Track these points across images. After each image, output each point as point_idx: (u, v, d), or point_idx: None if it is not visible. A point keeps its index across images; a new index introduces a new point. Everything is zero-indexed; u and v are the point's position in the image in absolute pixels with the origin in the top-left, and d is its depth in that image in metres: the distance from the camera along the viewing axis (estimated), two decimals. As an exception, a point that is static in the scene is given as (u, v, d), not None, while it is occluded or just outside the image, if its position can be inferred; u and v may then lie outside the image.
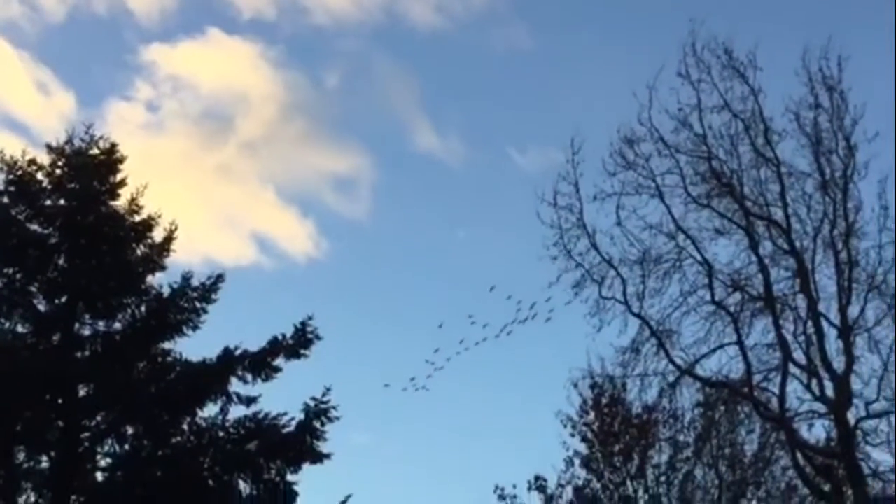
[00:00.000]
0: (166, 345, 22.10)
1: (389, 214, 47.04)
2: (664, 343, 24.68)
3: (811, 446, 24.46)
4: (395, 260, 45.32)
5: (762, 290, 24.34)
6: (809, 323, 23.87)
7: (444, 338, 26.45)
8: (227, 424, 21.56)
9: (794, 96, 24.42)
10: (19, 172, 22.29)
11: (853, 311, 23.61)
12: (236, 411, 21.68)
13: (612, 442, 28.37)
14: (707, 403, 27.20)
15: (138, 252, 22.59)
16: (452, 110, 47.72)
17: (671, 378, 25.07)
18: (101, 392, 21.46)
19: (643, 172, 24.93)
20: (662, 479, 28.17)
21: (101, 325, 22.08)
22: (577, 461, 28.56)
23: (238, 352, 21.75)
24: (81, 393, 21.55)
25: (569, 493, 28.41)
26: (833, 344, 23.61)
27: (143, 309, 22.23)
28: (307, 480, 21.71)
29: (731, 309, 24.57)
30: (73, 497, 20.96)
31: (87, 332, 21.98)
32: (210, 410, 21.66)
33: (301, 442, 21.48)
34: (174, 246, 22.66)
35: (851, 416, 23.42)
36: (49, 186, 22.53)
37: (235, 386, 21.74)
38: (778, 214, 24.45)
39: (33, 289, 21.92)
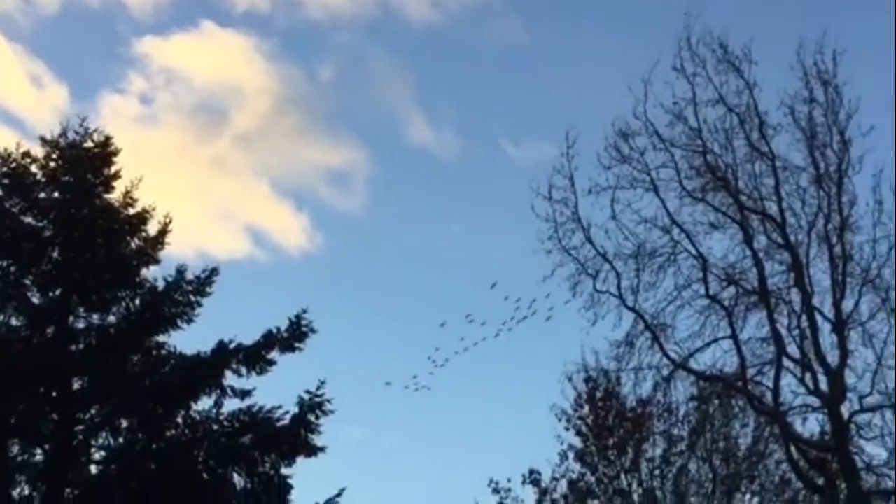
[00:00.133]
0: (160, 338, 22.08)
1: (384, 208, 47.03)
2: (658, 337, 24.76)
3: (805, 440, 24.52)
4: (390, 253, 45.30)
5: (756, 284, 24.40)
6: (804, 317, 23.94)
7: (442, 335, 26.55)
8: (222, 418, 21.54)
9: (789, 90, 24.52)
10: (13, 165, 22.25)
11: (847, 305, 23.72)
12: (230, 404, 21.69)
13: (607, 435, 28.37)
14: (701, 397, 27.25)
15: (133, 245, 22.55)
16: (447, 104, 47.72)
17: (665, 372, 25.18)
18: (96, 385, 21.43)
19: (638, 166, 25.02)
20: (656, 472, 28.19)
21: (95, 318, 22.05)
22: (571, 455, 28.57)
23: (232, 345, 21.72)
24: (76, 386, 21.52)
25: (563, 486, 28.42)
26: (827, 338, 23.71)
27: (137, 302, 22.20)
28: (301, 474, 21.73)
29: (726, 303, 24.65)
30: (68, 490, 20.94)
31: (81, 324, 21.96)
32: (204, 404, 21.66)
33: (295, 435, 21.47)
34: (168, 239, 22.63)
35: (845, 410, 23.52)
36: (43, 179, 22.49)
37: (230, 379, 21.74)
38: (772, 208, 24.52)
39: (27, 281, 21.88)
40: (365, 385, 37.94)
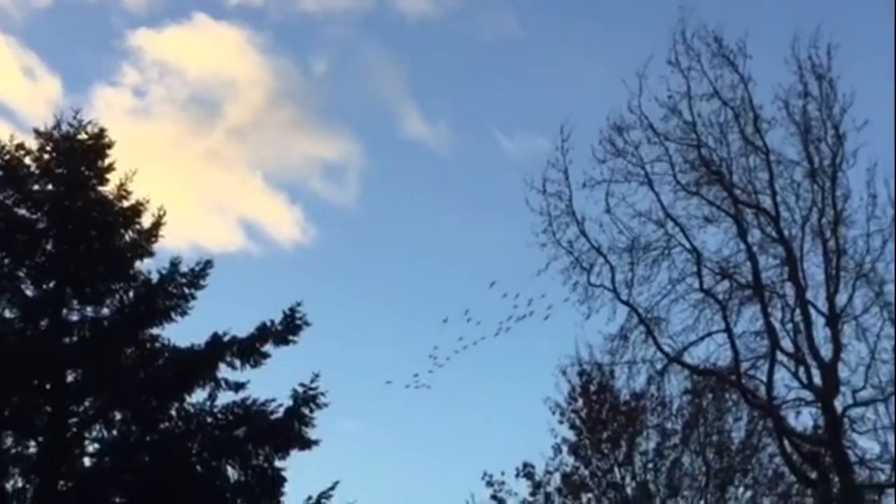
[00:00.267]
0: (154, 330, 22.04)
1: (377, 201, 47.07)
2: (652, 330, 24.78)
3: (798, 434, 24.56)
4: (383, 246, 45.33)
5: (750, 277, 24.43)
6: (797, 311, 23.98)
7: (440, 331, 26.56)
8: (216, 410, 21.51)
9: (784, 84, 24.56)
10: (7, 157, 22.19)
11: (841, 299, 23.76)
12: (224, 397, 21.65)
13: (600, 429, 28.43)
14: (695, 391, 27.29)
15: (126, 237, 22.51)
16: (441, 97, 47.71)
17: (659, 365, 25.21)
18: (89, 377, 21.41)
19: (632, 160, 25.04)
20: (650, 466, 28.26)
21: (89, 310, 22.01)
22: (564, 448, 28.66)
23: (226, 338, 21.69)
24: (69, 378, 21.47)
25: (556, 479, 28.50)
26: (821, 332, 23.75)
27: (131, 294, 22.16)
28: (295, 467, 21.73)
29: (720, 297, 24.68)
30: (61, 482, 20.90)
31: (74, 317, 21.92)
32: (198, 396, 21.62)
33: (289, 428, 21.45)
34: (162, 232, 22.57)
35: (838, 404, 23.56)
36: (37, 171, 22.43)
37: (224, 372, 21.71)
38: (766, 202, 24.55)
39: (21, 274, 21.84)
40: (359, 378, 38.03)
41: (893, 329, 23.46)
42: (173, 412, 21.55)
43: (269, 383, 22.35)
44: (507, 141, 46.69)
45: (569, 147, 25.11)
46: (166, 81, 47.94)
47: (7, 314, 21.75)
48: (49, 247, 22.11)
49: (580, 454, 28.59)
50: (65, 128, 22.68)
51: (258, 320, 22.03)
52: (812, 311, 23.81)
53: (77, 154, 22.54)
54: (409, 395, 27.89)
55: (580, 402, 28.61)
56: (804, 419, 24.95)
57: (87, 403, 21.51)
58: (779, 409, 24.18)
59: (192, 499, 20.75)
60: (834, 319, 23.56)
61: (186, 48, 46.82)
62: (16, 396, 20.96)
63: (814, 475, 24.28)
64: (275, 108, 49.35)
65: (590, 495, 28.42)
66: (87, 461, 21.73)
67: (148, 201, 22.57)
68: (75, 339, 21.71)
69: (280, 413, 21.55)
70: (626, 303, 24.81)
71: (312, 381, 21.65)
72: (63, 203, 22.20)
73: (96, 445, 21.64)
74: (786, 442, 24.41)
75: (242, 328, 21.91)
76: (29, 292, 21.87)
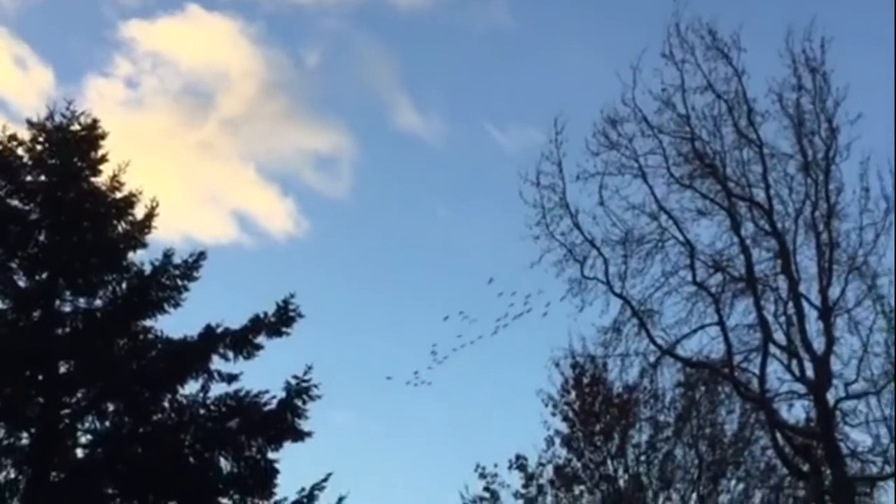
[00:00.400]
0: (147, 322, 22.01)
1: (370, 193, 47.10)
2: (645, 323, 24.83)
3: (791, 426, 24.62)
4: (376, 238, 45.37)
5: (743, 270, 24.48)
6: (790, 304, 24.04)
7: (438, 328, 26.58)
8: (208, 402, 21.49)
9: (778, 78, 24.60)
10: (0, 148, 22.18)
11: (834, 292, 23.82)
12: (217, 389, 21.62)
13: (593, 421, 28.45)
14: (687, 384, 27.34)
15: (119, 229, 22.47)
16: (433, 89, 47.73)
17: (652, 358, 25.27)
18: (82, 369, 21.38)
19: (626, 153, 25.09)
20: (642, 458, 28.28)
21: (81, 301, 21.97)
22: (557, 440, 28.66)
23: (219, 329, 21.67)
24: (62, 369, 21.45)
25: (549, 471, 28.51)
26: (813, 325, 23.82)
27: (124, 286, 22.12)
28: (288, 458, 21.72)
29: (713, 289, 24.72)
30: (54, 473, 20.88)
31: (67, 308, 21.88)
32: (191, 388, 21.58)
33: (282, 420, 21.45)
34: (155, 223, 22.55)
35: (831, 397, 23.63)
36: (30, 162, 22.38)
37: (217, 363, 21.67)
38: (760, 196, 24.60)
39: (13, 265, 21.79)
40: (352, 370, 38.07)
41: (886, 322, 23.53)
42: (166, 404, 21.53)
43: (262, 375, 22.38)
44: (500, 133, 46.78)
45: (562, 139, 25.18)
46: (159, 72, 47.91)
47: (-1, 305, 21.75)
48: (42, 238, 22.06)
49: (573, 446, 28.61)
50: (58, 119, 22.64)
51: (251, 312, 22.03)
52: (805, 304, 23.88)
53: (70, 145, 22.49)
54: (402, 387, 27.93)
55: (573, 394, 28.63)
56: (796, 412, 25.05)
57: (79, 395, 21.48)
58: (771, 402, 24.24)
59: (185, 490, 20.75)
60: (826, 312, 23.61)
61: (179, 39, 46.83)
62: (8, 387, 20.92)
63: (806, 468, 24.36)
64: (267, 100, 49.34)
65: (582, 487, 28.44)
66: (79, 452, 21.71)
67: (141, 192, 22.56)
68: (68, 330, 21.67)
69: (273, 405, 21.54)
70: (620, 295, 24.87)
71: (305, 373, 21.64)
72: (56, 194, 22.15)
73: (89, 437, 21.62)
74: (778, 434, 24.47)
75: (235, 320, 21.92)
76: (21, 283, 21.83)
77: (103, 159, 22.67)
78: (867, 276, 23.75)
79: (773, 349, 23.95)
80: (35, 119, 22.55)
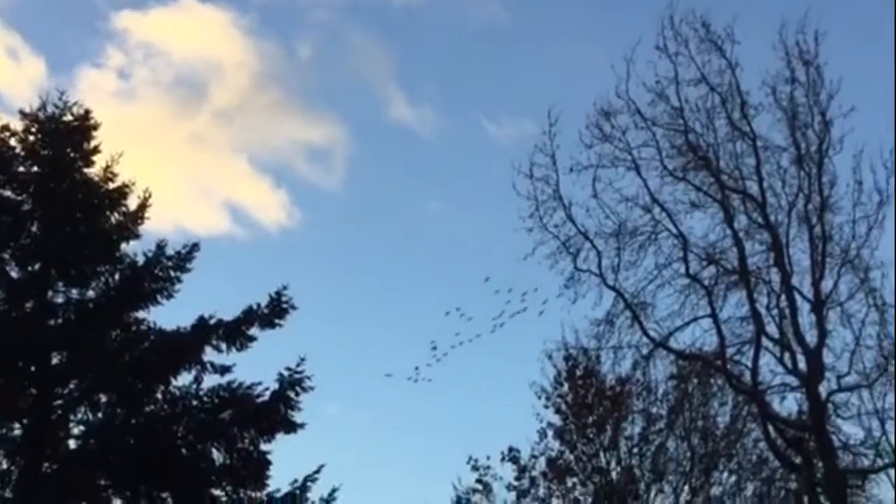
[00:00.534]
0: (140, 313, 22.02)
1: (363, 185, 46.98)
2: (638, 315, 24.84)
3: (783, 419, 24.66)
4: (369, 230, 45.21)
5: (736, 263, 24.49)
6: (783, 297, 24.06)
7: (433, 321, 26.54)
8: (201, 393, 21.51)
9: (771, 70, 24.60)
10: (-8, 138, 22.14)
11: (826, 285, 23.84)
12: (210, 380, 21.65)
13: (586, 413, 28.45)
14: (680, 376, 27.35)
15: (112, 220, 22.45)
16: (427, 81, 47.53)
17: (645, 350, 25.28)
18: (74, 360, 21.38)
19: (619, 145, 25.08)
20: (635, 450, 28.30)
21: (74, 292, 21.96)
22: (550, 432, 28.65)
23: (212, 321, 21.68)
24: (54, 360, 21.46)
25: (542, 464, 28.51)
26: (806, 318, 23.84)
27: (116, 277, 22.12)
28: (280, 450, 21.74)
29: (706, 282, 24.75)
30: (46, 464, 20.88)
31: (60, 299, 21.87)
32: (184, 379, 21.61)
33: (275, 411, 21.47)
34: (148, 214, 22.54)
35: (823, 390, 23.67)
36: (22, 153, 22.35)
37: (210, 355, 21.70)
38: (753, 188, 24.62)
39: (6, 255, 21.76)
40: (345, 361, 38.02)
41: (878, 315, 23.57)
42: (159, 395, 21.55)
43: (255, 367, 22.38)
44: (493, 125, 46.67)
45: (556, 132, 25.16)
46: (151, 63, 47.66)
47: (-8, 296, 21.70)
48: (34, 229, 22.04)
49: (565, 438, 28.61)
50: (50, 109, 22.60)
51: (244, 304, 22.06)
52: (797, 297, 23.92)
53: (62, 136, 22.46)
54: (395, 380, 27.91)
55: (566, 386, 28.62)
56: (789, 404, 25.08)
57: (72, 386, 21.48)
58: (764, 395, 24.28)
59: (178, 482, 20.76)
60: (819, 305, 23.65)
61: (171, 30, 46.59)
62: (0, 378, 20.91)
63: (798, 460, 24.39)
64: (260, 91, 49.20)
65: (575, 479, 28.45)
66: (71, 443, 21.72)
67: (133, 184, 22.55)
68: (60, 321, 21.66)
69: (266, 396, 21.57)
70: (613, 288, 24.88)
71: (298, 365, 21.69)
72: (48, 185, 22.12)
73: (81, 428, 21.63)
74: (770, 427, 24.51)
75: (228, 311, 21.94)
76: (14, 274, 21.81)
77: (96, 150, 22.65)
78: (860, 270, 23.79)
79: (765, 342, 24.00)
80: (27, 110, 22.55)
